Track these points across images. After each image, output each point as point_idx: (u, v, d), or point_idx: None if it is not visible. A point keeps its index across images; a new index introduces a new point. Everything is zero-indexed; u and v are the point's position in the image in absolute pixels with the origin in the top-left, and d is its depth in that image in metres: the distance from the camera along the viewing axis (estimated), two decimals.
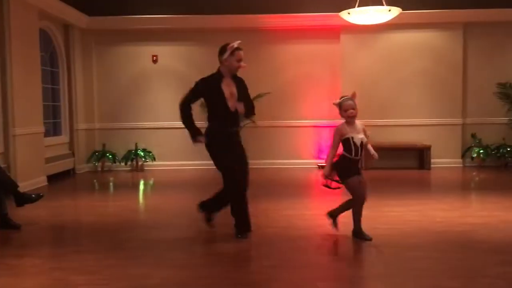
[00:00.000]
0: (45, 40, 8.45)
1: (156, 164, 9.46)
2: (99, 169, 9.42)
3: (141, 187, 7.83)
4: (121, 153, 9.43)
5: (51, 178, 7.95)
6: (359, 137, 4.24)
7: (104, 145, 9.46)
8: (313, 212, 5.50)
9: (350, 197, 4.36)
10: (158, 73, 9.58)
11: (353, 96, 4.31)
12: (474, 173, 8.52)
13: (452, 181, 7.85)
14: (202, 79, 4.58)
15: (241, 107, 4.42)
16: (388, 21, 7.72)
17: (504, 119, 9.19)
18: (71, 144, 9.11)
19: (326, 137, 9.58)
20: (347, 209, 4.39)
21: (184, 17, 9.19)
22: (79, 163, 9.22)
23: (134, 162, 9.40)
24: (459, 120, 9.34)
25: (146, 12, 9.20)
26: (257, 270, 3.65)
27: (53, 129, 8.76)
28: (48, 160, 7.95)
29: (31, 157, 7.28)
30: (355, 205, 4.33)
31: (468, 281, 3.30)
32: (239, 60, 4.45)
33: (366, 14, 7.41)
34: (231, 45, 4.43)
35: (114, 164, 9.42)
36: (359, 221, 4.34)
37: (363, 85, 9.35)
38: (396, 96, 9.38)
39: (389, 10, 7.30)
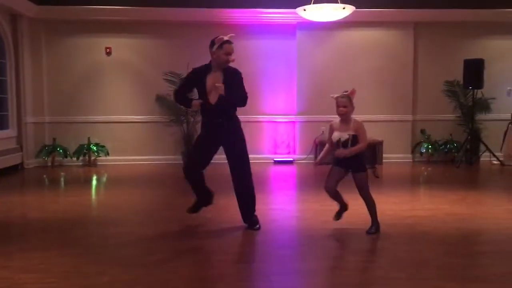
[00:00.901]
0: None
1: (110, 159, 9.26)
2: (49, 164, 9.12)
3: (94, 182, 7.64)
4: (72, 147, 9.16)
5: None
6: (337, 134, 4.28)
7: (54, 139, 9.16)
8: (268, 207, 5.55)
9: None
10: (112, 66, 9.35)
11: (351, 93, 4.31)
12: (423, 168, 8.85)
13: (403, 175, 8.12)
14: (193, 69, 4.60)
15: (214, 98, 4.36)
16: (343, 18, 7.87)
17: (452, 116, 9.57)
18: (19, 138, 8.77)
19: (282, 132, 9.67)
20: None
21: (138, 9, 9.01)
22: (28, 157, 8.89)
23: (87, 157, 9.16)
24: (409, 117, 9.66)
25: (99, 3, 8.94)
26: (211, 265, 3.65)
27: None
28: None
29: None
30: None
31: (415, 272, 3.44)
32: (227, 54, 4.41)
33: (322, 11, 7.52)
34: (220, 37, 4.44)
35: (65, 159, 9.14)
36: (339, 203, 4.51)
37: (318, 81, 9.51)
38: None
39: (344, 8, 7.45)
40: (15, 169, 8.44)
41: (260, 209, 5.32)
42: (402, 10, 9.28)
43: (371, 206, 4.45)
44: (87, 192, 6.84)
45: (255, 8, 9.11)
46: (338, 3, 7.50)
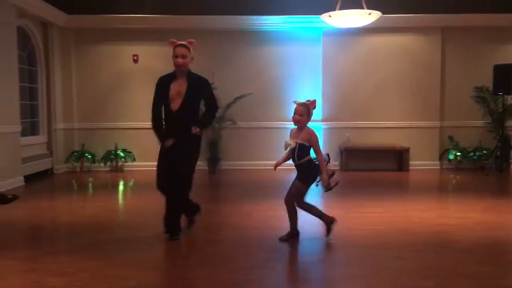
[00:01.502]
0: (24, 38, 8.32)
1: (136, 165, 9.39)
2: (78, 169, 9.31)
3: (121, 187, 7.76)
4: (100, 153, 9.34)
5: (29, 178, 7.83)
6: (288, 142, 4.26)
7: (83, 145, 9.36)
8: None
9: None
10: (139, 73, 9.51)
11: (311, 104, 4.26)
12: (451, 175, 8.68)
13: (430, 182, 7.98)
14: (159, 78, 4.54)
15: (176, 105, 4.29)
16: (369, 24, 7.82)
17: (481, 122, 9.37)
18: (49, 144, 8.98)
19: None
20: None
21: (165, 17, 9.15)
22: (57, 163, 9.10)
23: (114, 163, 9.31)
24: (436, 123, 9.50)
25: (126, 12, 9.12)
26: (237, 271, 3.66)
27: (30, 128, 8.62)
28: (25, 160, 7.83)
29: (7, 156, 7.16)
30: None
31: (442, 281, 3.36)
32: (176, 57, 4.38)
33: (347, 17, 7.48)
34: (172, 41, 4.45)
35: (93, 164, 9.32)
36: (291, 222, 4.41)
37: (343, 87, 9.46)
38: (376, 98, 9.49)
39: (369, 14, 7.39)
40: (45, 174, 8.65)
41: (283, 215, 5.31)
42: (429, 15, 9.17)
43: (290, 212, 4.38)
44: (114, 197, 6.96)
45: (281, 15, 9.14)
46: (364, 8, 7.45)
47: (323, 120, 9.50)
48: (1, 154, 6.97)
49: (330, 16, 7.57)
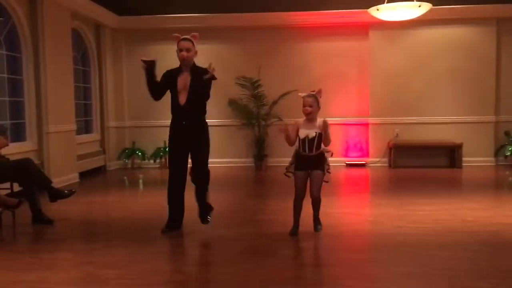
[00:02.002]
0: (77, 40, 8.65)
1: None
2: (129, 166, 9.60)
3: None
4: (150, 150, 9.58)
5: (83, 175, 8.15)
6: (304, 131, 4.26)
7: (133, 143, 9.63)
8: (340, 211, 5.47)
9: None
10: None
11: (318, 93, 4.33)
12: (507, 172, 8.30)
13: (484, 180, 7.66)
14: (166, 71, 4.66)
15: (183, 99, 4.40)
16: (418, 16, 7.59)
17: None
18: (102, 141, 9.31)
19: (354, 135, 9.51)
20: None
21: (212, 15, 9.25)
22: (110, 160, 9.41)
23: (163, 160, 9.53)
24: (492, 118, 9.10)
25: (174, 11, 9.29)
26: (283, 267, 3.66)
27: (84, 127, 8.97)
28: (80, 157, 8.15)
29: (63, 154, 7.47)
30: (293, 199, 4.39)
31: (499, 282, 3.23)
32: (180, 50, 4.46)
33: (396, 10, 7.29)
34: (176, 35, 4.54)
35: (143, 161, 9.58)
36: (294, 217, 4.38)
37: (392, 82, 9.25)
38: (427, 93, 9.21)
39: (420, 6, 7.17)
40: (98, 171, 8.97)
41: (332, 212, 5.27)
42: (483, 6, 8.78)
43: (316, 204, 4.42)
44: (163, 193, 7.06)
45: (327, 10, 9.03)
46: (413, 1, 7.24)
47: (370, 116, 9.33)
48: (58, 152, 7.28)
49: (378, 9, 7.41)
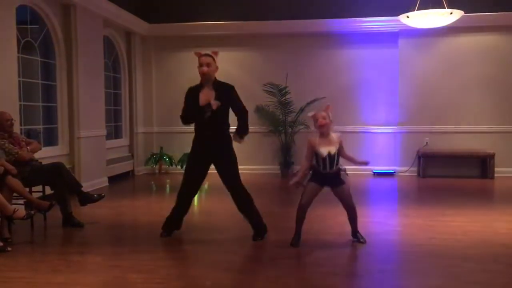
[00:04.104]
0: (109, 46, 8.83)
1: (211, 168, 9.59)
2: (157, 171, 9.71)
3: None
4: (177, 156, 9.67)
5: (112, 179, 8.28)
6: (325, 149, 4.15)
7: (161, 148, 9.75)
8: (368, 220, 5.40)
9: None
10: None
11: (326, 109, 4.23)
12: None
13: None
14: (189, 88, 4.72)
15: (215, 104, 4.39)
16: (449, 24, 7.47)
17: None
18: (130, 146, 9.46)
19: (383, 143, 9.38)
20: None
21: (239, 23, 9.31)
22: (138, 165, 9.54)
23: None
24: None
25: (203, 19, 9.40)
26: (310, 276, 3.63)
27: (114, 132, 9.13)
28: (109, 162, 8.29)
29: (93, 158, 7.62)
30: (297, 207, 4.33)
31: None
32: (200, 66, 4.50)
33: (426, 17, 7.19)
34: (197, 52, 4.62)
35: (170, 166, 9.67)
36: (297, 226, 4.32)
37: (421, 90, 9.11)
38: (457, 101, 9.03)
39: (451, 13, 7.06)
40: (127, 175, 9.11)
41: (360, 221, 5.18)
42: None
43: (354, 215, 4.38)
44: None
45: (356, 17, 8.98)
46: (444, 8, 7.13)
47: (399, 125, 9.20)
48: (88, 156, 7.43)
49: (408, 16, 7.32)
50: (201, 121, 4.51)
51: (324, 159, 4.17)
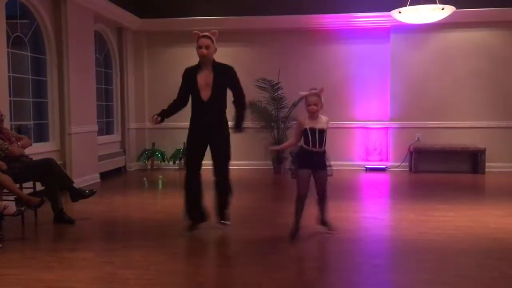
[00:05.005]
0: (100, 42, 8.77)
1: (204, 164, 9.57)
2: (149, 167, 9.67)
3: None
4: (169, 152, 9.64)
5: (104, 175, 8.24)
6: (316, 126, 4.21)
7: (153, 144, 9.71)
8: (360, 215, 5.42)
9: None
10: None
11: (320, 92, 4.28)
12: None
13: (508, 186, 7.49)
14: (185, 69, 4.71)
15: (206, 95, 4.48)
16: (441, 20, 7.49)
17: None
18: (122, 142, 9.41)
19: (374, 139, 9.41)
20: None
21: (232, 18, 9.27)
22: (130, 161, 9.50)
23: (182, 161, 9.58)
24: None
25: (195, 14, 9.35)
26: (301, 271, 3.64)
27: (105, 128, 9.08)
28: (101, 158, 8.24)
29: (85, 154, 7.57)
30: (295, 199, 4.34)
31: None
32: (199, 47, 4.49)
33: (418, 13, 7.21)
34: (196, 32, 4.56)
35: (163, 162, 9.64)
36: (296, 217, 4.33)
37: (413, 86, 9.14)
38: (449, 97, 9.08)
39: (442, 9, 7.08)
40: (119, 171, 9.07)
41: (352, 216, 5.23)
42: (507, 9, 8.63)
43: (326, 200, 4.44)
44: (182, 195, 7.14)
45: (347, 13, 8.98)
46: (436, 3, 7.15)
47: (391, 120, 9.23)
48: (80, 152, 7.38)
49: (400, 12, 7.34)
50: (200, 104, 4.53)
51: (312, 133, 4.20)
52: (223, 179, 4.70)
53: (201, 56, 4.52)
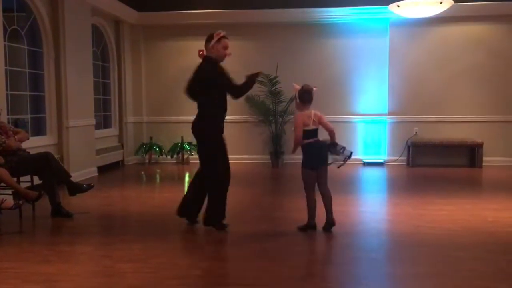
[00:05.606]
0: (97, 35, 8.73)
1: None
2: (147, 161, 9.66)
3: (186, 179, 7.97)
4: (167, 146, 9.63)
5: (101, 169, 8.23)
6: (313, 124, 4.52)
7: (151, 138, 9.70)
8: (357, 209, 5.44)
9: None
10: None
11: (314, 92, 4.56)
12: None
13: (505, 180, 7.52)
14: (219, 64, 4.70)
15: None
16: (440, 13, 7.48)
17: None
18: (120, 136, 9.39)
19: (373, 133, 9.42)
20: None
21: (230, 11, 9.23)
22: (128, 155, 9.49)
23: (180, 155, 9.58)
24: None
25: (193, 8, 9.31)
26: (299, 265, 3.65)
27: (103, 121, 9.05)
28: (99, 152, 8.23)
29: (82, 148, 7.56)
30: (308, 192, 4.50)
31: None
32: (225, 48, 4.53)
33: (417, 6, 7.20)
34: (218, 32, 4.54)
35: (160, 156, 9.63)
36: (310, 214, 4.43)
37: (411, 80, 9.14)
38: (447, 91, 9.08)
39: (441, 3, 7.07)
40: (116, 165, 9.06)
41: (349, 211, 5.24)
42: (505, 3, 8.62)
43: (331, 200, 4.42)
44: (180, 189, 7.13)
45: (346, 6, 8.95)
46: None
47: (389, 114, 9.23)
48: (77, 146, 7.37)
49: (398, 6, 7.33)
50: (226, 104, 4.71)
51: (312, 132, 4.46)
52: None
53: (224, 56, 4.58)
